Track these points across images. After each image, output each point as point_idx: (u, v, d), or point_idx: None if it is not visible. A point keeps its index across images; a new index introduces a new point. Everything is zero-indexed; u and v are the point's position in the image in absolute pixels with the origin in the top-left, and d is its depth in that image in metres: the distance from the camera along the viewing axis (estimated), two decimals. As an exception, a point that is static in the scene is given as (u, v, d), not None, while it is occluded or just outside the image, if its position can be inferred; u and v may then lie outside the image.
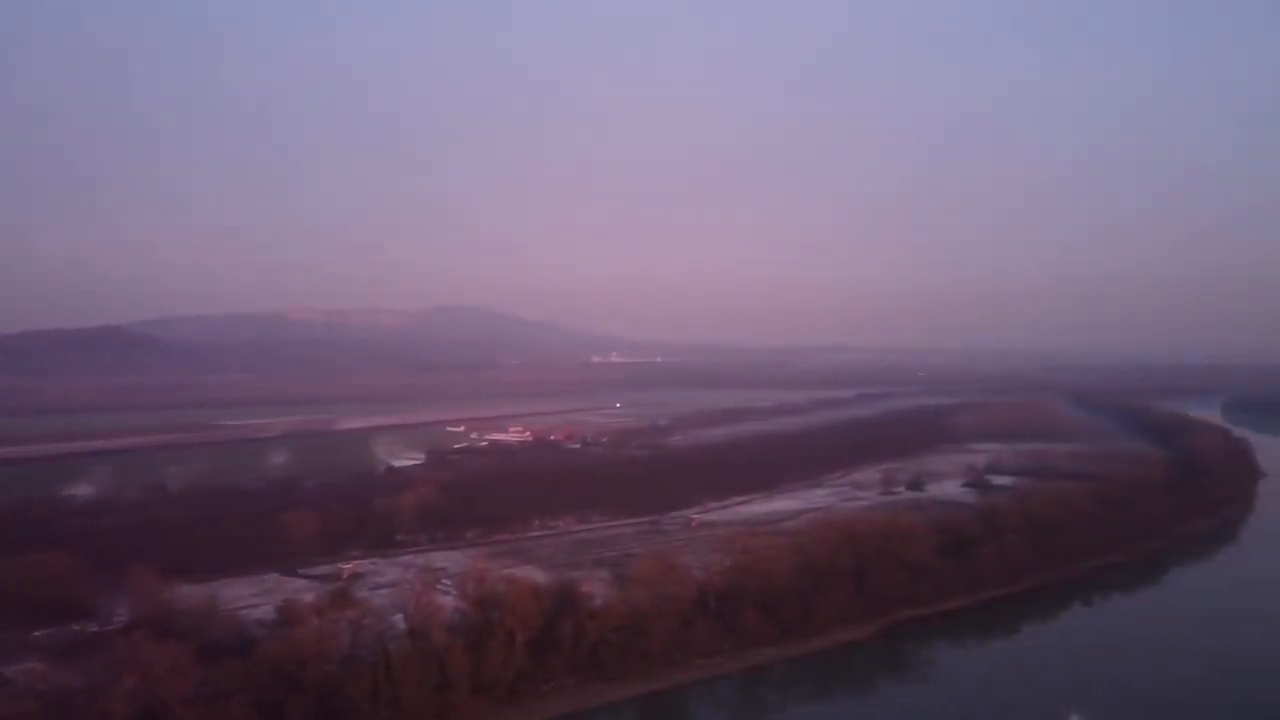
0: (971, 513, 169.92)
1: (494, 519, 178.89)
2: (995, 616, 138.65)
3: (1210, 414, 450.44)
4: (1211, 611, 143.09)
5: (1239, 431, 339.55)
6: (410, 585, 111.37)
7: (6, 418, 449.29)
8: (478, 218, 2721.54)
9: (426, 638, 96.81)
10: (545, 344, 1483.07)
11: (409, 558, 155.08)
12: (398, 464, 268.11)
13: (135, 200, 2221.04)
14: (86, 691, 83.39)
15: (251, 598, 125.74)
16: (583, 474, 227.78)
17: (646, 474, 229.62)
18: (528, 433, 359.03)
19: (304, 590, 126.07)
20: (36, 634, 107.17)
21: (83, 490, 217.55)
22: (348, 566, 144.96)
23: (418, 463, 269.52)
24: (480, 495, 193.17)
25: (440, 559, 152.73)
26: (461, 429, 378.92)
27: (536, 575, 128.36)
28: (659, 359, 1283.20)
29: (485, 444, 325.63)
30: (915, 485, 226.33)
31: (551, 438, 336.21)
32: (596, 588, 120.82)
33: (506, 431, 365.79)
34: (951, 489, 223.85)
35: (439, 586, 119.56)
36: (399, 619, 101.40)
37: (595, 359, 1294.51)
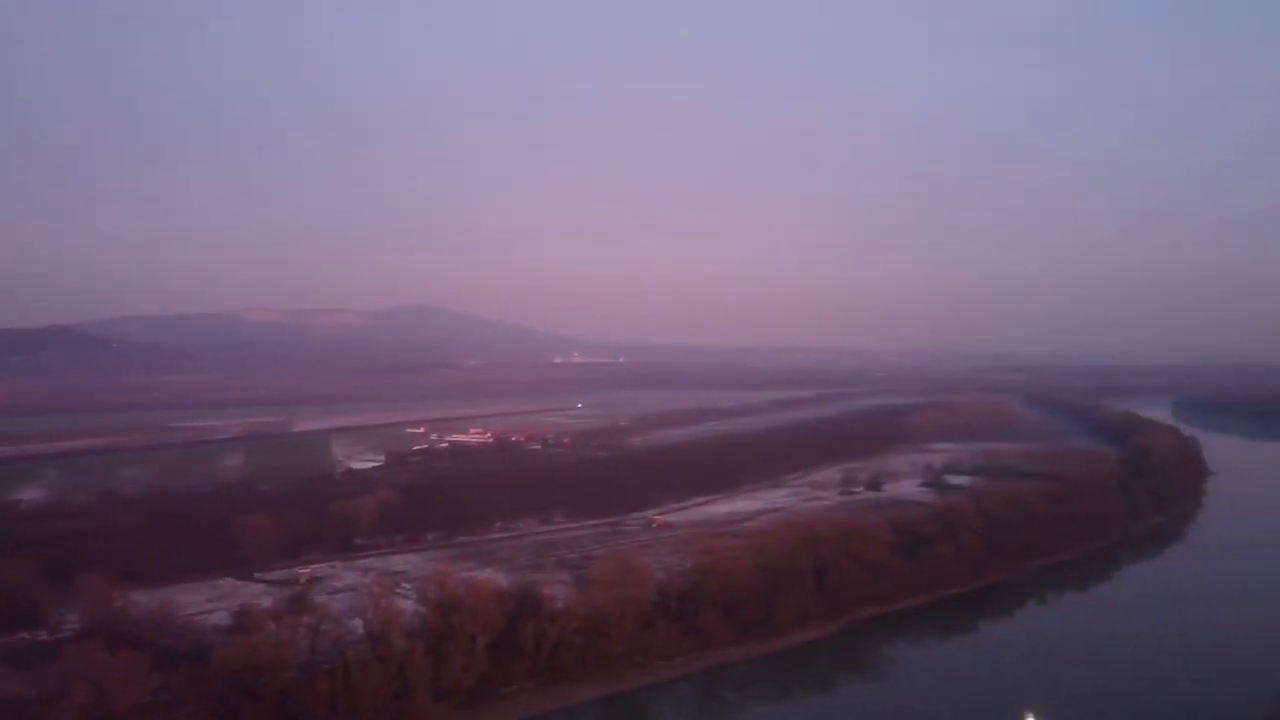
0: (929, 512, 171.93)
1: (455, 521, 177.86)
2: (953, 615, 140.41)
3: (1161, 413, 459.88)
4: (1159, 608, 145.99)
5: (1188, 430, 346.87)
6: (369, 589, 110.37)
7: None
8: (438, 217, 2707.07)
9: (386, 643, 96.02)
10: (506, 344, 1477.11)
11: (368, 561, 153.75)
12: (356, 466, 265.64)
13: (87, 198, 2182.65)
14: (37, 702, 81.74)
15: (207, 603, 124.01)
16: (544, 475, 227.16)
17: (608, 475, 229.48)
18: (488, 434, 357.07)
19: (261, 595, 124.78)
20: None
21: (32, 495, 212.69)
22: (305, 571, 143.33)
23: (377, 464, 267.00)
24: (440, 497, 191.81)
25: (400, 562, 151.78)
26: (421, 430, 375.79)
27: (497, 578, 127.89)
28: (621, 359, 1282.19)
29: (445, 445, 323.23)
30: (874, 485, 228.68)
31: (512, 439, 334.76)
32: (558, 590, 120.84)
33: (467, 433, 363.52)
34: (909, 488, 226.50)
35: (399, 590, 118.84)
36: (358, 624, 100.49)
37: (557, 359, 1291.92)
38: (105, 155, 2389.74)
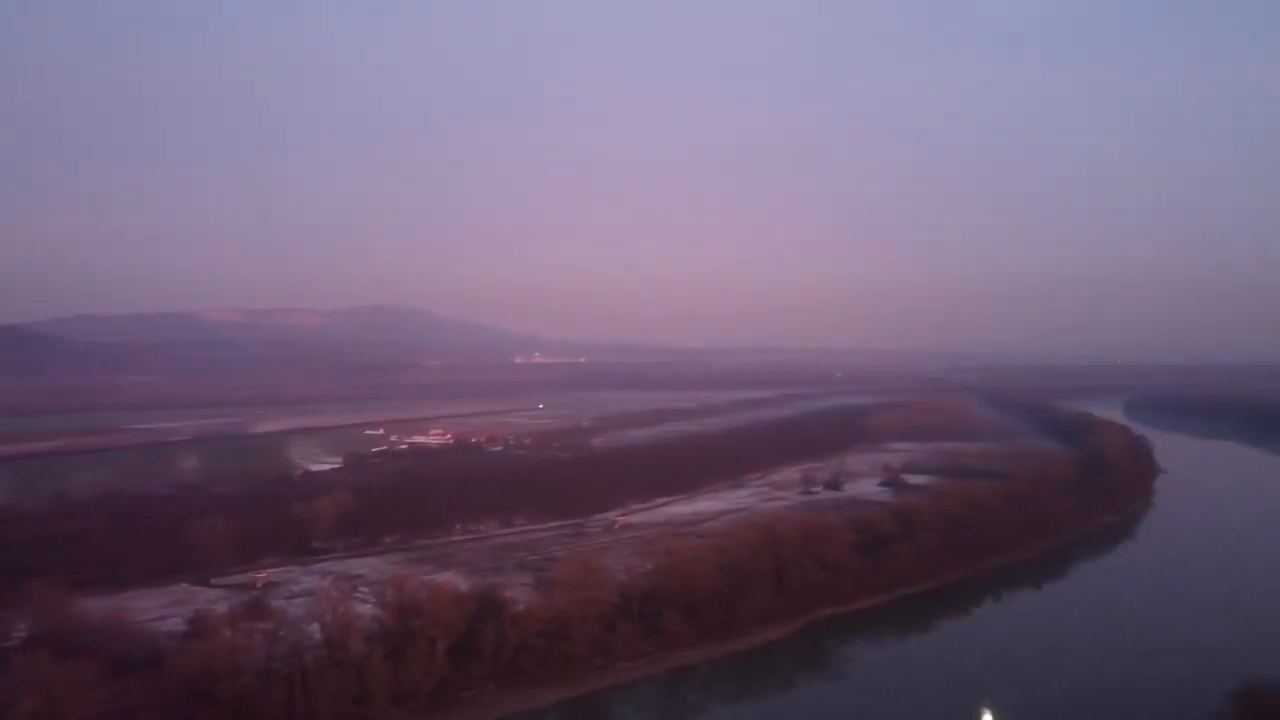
0: (888, 512, 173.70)
1: (414, 524, 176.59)
2: (912, 614, 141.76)
3: (1113, 413, 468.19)
4: (1112, 605, 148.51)
5: (1140, 429, 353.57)
6: (327, 594, 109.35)
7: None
8: (400, 217, 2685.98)
9: (344, 648, 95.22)
10: (468, 344, 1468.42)
11: (326, 565, 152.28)
12: (315, 468, 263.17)
13: (39, 196, 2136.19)
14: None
15: (162, 609, 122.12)
16: (505, 477, 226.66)
17: (570, 476, 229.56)
18: (449, 435, 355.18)
19: (217, 601, 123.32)
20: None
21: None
22: (262, 575, 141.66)
23: (335, 467, 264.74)
24: (400, 499, 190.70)
25: (359, 566, 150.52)
26: (381, 432, 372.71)
27: (458, 581, 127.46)
28: (583, 359, 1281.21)
29: (405, 447, 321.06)
30: (834, 485, 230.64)
31: (473, 440, 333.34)
32: (519, 593, 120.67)
33: (427, 434, 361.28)
34: (868, 488, 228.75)
35: (357, 594, 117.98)
36: (316, 629, 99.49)
37: (519, 359, 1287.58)
38: (57, 153, 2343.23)
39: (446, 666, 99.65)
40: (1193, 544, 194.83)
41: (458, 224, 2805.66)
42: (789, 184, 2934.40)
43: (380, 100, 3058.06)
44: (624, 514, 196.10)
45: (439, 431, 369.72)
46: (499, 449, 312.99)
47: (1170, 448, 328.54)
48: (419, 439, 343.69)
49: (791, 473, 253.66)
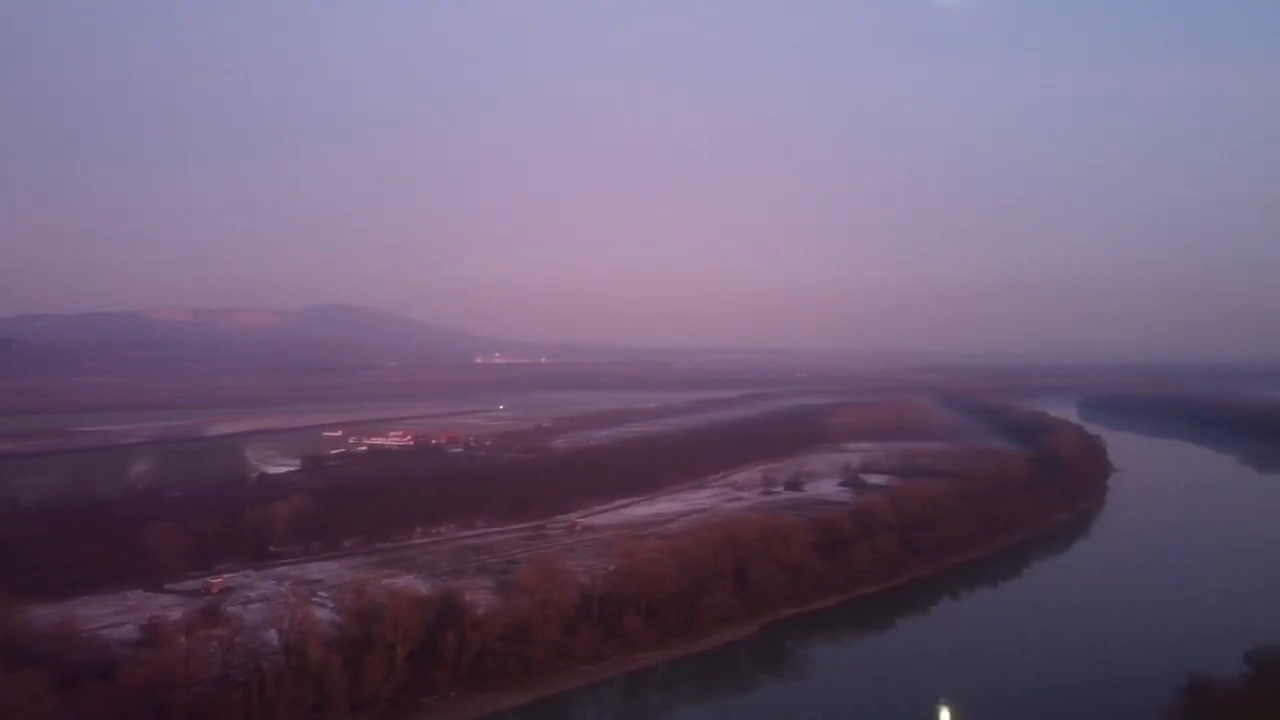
0: (847, 512, 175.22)
1: (374, 527, 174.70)
2: (870, 613, 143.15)
3: (1067, 412, 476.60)
4: (1066, 602, 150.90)
5: (1093, 429, 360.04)
6: (285, 599, 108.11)
7: None
8: (356, 216, 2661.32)
9: (302, 654, 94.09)
10: (427, 344, 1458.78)
11: (284, 570, 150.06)
12: (271, 471, 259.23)
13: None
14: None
15: (113, 617, 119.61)
16: (465, 478, 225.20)
17: (530, 477, 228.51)
18: (408, 436, 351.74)
19: (170, 607, 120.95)
20: None
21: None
22: (218, 581, 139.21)
23: (293, 469, 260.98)
24: (359, 502, 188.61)
25: (317, 570, 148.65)
26: (339, 433, 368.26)
27: (418, 585, 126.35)
28: (544, 360, 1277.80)
29: (364, 449, 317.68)
30: (794, 485, 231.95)
31: (433, 441, 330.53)
32: (479, 596, 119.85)
33: (386, 435, 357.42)
34: (828, 488, 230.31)
35: (315, 599, 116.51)
36: (273, 635, 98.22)
37: (479, 360, 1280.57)
38: (9, 149, 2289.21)
39: (407, 672, 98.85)
40: (1144, 541, 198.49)
41: (417, 224, 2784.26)
42: (750, 186, 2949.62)
43: (338, 99, 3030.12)
44: (585, 515, 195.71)
45: (398, 433, 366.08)
46: (459, 450, 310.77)
47: (1122, 446, 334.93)
48: (378, 440, 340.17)
49: (752, 473, 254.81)
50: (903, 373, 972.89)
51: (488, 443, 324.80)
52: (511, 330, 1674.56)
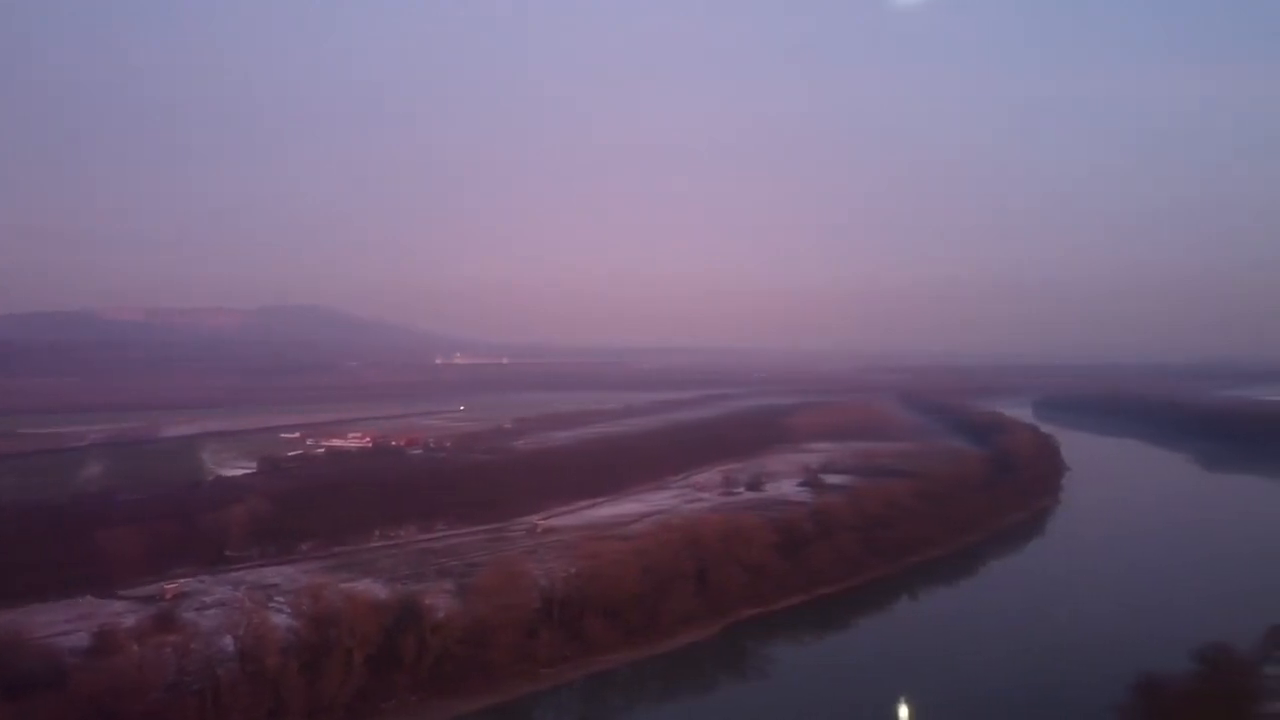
0: (807, 512, 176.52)
1: (332, 530, 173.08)
2: (831, 613, 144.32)
3: (1022, 412, 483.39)
4: (1021, 600, 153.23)
5: (1047, 428, 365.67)
6: (241, 604, 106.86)
7: None
8: (318, 216, 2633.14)
9: (258, 660, 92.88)
10: (386, 344, 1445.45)
11: (240, 574, 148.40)
12: (227, 473, 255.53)
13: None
14: None
15: (64, 624, 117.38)
16: (425, 481, 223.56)
17: (491, 479, 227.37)
18: (367, 438, 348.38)
19: (123, 614, 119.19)
20: None
21: None
22: (172, 586, 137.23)
23: (249, 472, 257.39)
24: (317, 505, 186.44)
25: (273, 575, 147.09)
26: (296, 435, 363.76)
27: (376, 589, 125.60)
28: (505, 360, 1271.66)
29: (322, 451, 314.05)
30: (754, 485, 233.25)
31: (392, 443, 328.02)
32: (439, 600, 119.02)
33: (345, 437, 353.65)
34: (788, 488, 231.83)
35: (272, 604, 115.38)
36: (228, 641, 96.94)
37: (439, 360, 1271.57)
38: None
39: (365, 677, 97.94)
40: (1096, 539, 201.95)
41: (378, 224, 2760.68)
42: (711, 185, 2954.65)
43: (298, 98, 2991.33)
44: (546, 517, 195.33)
45: (357, 434, 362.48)
46: (419, 452, 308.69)
47: (1075, 445, 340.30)
48: (336, 442, 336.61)
49: (713, 474, 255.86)
50: (860, 373, 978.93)
51: (448, 444, 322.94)
52: (473, 331, 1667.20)
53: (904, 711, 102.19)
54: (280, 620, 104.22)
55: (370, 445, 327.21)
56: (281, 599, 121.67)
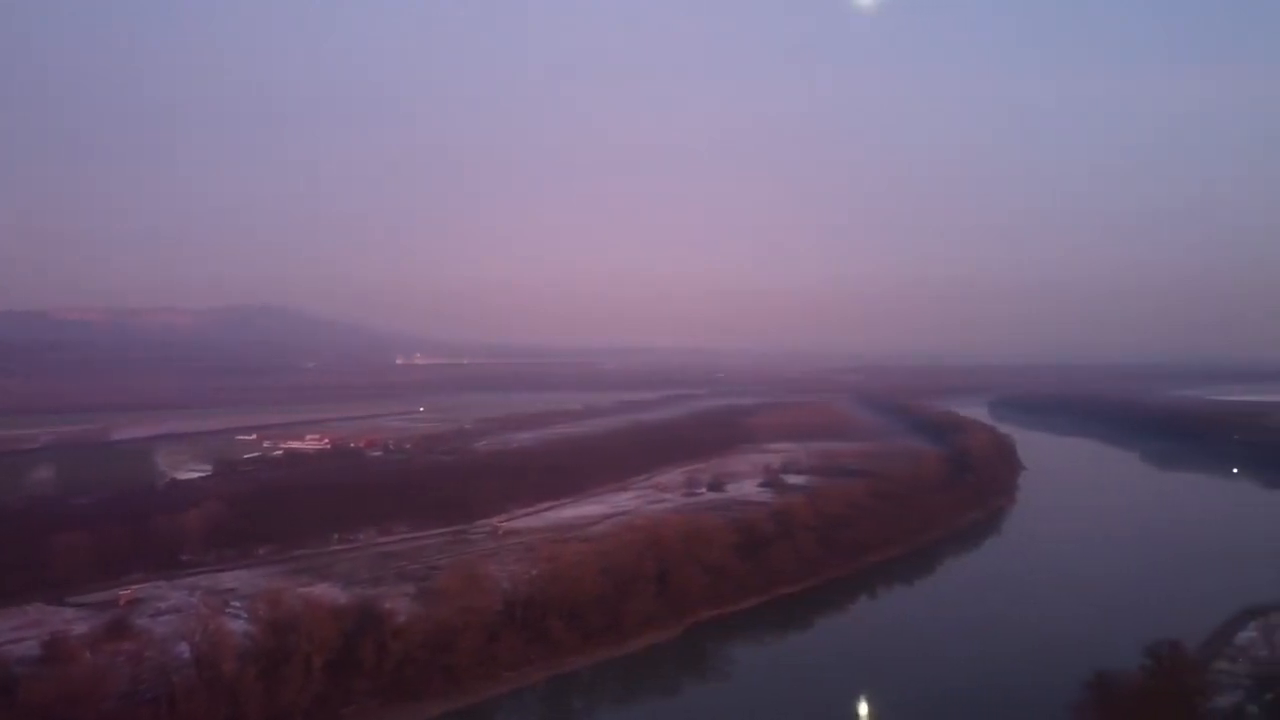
0: (767, 512, 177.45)
1: (290, 534, 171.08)
2: (791, 612, 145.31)
3: (978, 412, 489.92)
4: (976, 598, 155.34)
5: (1004, 428, 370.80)
6: (196, 610, 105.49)
7: None
8: (274, 214, 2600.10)
9: (215, 667, 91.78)
10: (346, 345, 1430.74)
11: (195, 579, 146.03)
12: (182, 476, 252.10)
13: None
14: None
15: (13, 632, 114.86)
16: (385, 483, 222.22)
17: (452, 481, 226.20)
18: (326, 440, 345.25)
19: (76, 621, 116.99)
20: None
21: None
22: (126, 593, 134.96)
23: (205, 475, 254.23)
24: (275, 508, 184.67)
25: (230, 579, 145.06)
26: (254, 437, 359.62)
27: (335, 593, 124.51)
28: (466, 361, 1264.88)
29: (280, 453, 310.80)
30: (716, 486, 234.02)
31: (352, 445, 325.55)
32: (400, 603, 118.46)
33: (303, 439, 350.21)
34: (750, 489, 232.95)
35: (228, 610, 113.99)
36: (184, 648, 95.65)
37: (400, 360, 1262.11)
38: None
39: (324, 683, 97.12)
40: (1050, 538, 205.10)
41: (336, 222, 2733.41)
42: (676, 185, 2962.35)
43: (257, 96, 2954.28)
44: (508, 519, 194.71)
45: (316, 436, 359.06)
46: (379, 454, 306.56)
47: (1031, 445, 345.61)
48: (295, 444, 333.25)
49: (675, 474, 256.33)
50: (821, 373, 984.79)
51: (408, 446, 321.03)
52: (433, 330, 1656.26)
53: (864, 710, 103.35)
54: (237, 626, 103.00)
55: (329, 447, 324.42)
56: (238, 604, 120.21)
